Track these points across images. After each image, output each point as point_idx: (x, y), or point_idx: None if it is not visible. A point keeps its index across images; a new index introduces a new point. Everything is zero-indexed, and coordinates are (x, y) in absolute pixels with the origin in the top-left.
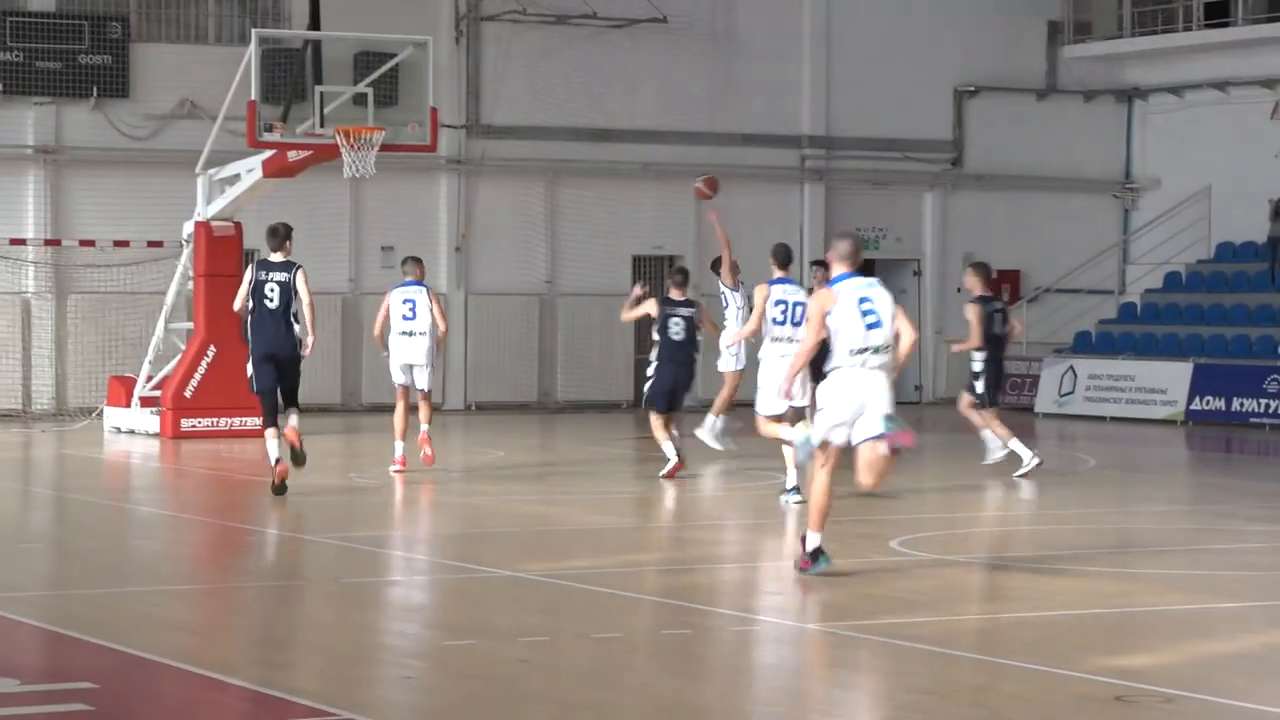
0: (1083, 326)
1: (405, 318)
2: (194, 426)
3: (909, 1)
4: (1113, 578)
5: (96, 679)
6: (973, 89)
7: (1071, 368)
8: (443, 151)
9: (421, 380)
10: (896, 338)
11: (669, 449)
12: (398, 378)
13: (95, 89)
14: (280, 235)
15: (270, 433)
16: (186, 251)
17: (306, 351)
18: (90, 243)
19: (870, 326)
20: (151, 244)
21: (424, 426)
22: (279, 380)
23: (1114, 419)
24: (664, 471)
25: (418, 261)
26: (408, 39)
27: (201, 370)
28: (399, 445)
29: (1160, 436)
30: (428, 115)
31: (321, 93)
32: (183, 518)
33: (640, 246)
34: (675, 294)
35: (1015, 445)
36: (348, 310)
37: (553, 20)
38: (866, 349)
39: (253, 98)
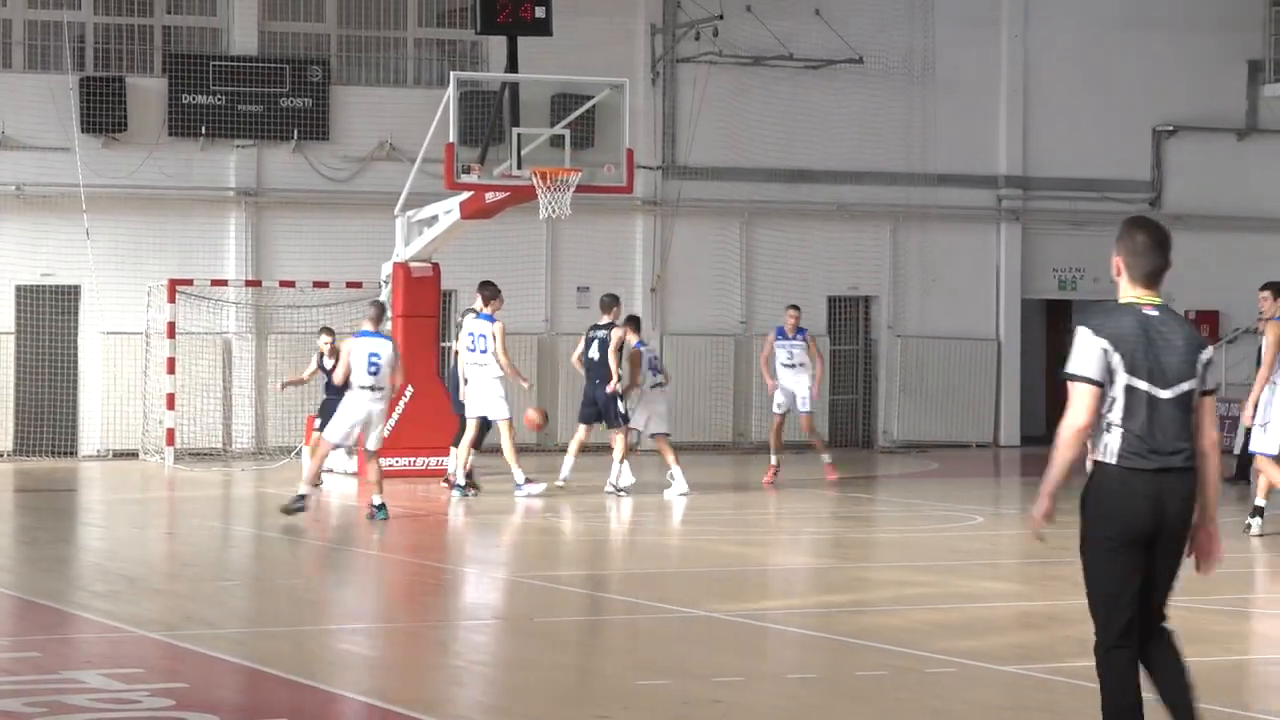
0: None
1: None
2: (390, 466)
3: (1106, 41)
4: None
5: (292, 715)
6: (1171, 129)
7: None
8: (638, 192)
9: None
10: None
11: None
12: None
13: (296, 132)
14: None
15: None
16: (385, 292)
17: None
18: (290, 283)
19: None
20: (350, 284)
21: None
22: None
23: None
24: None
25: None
26: (604, 81)
27: (399, 410)
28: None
29: None
30: (624, 157)
31: (519, 134)
32: (380, 556)
33: (835, 288)
34: None
35: None
36: (543, 350)
37: (749, 62)
38: None
39: (451, 140)
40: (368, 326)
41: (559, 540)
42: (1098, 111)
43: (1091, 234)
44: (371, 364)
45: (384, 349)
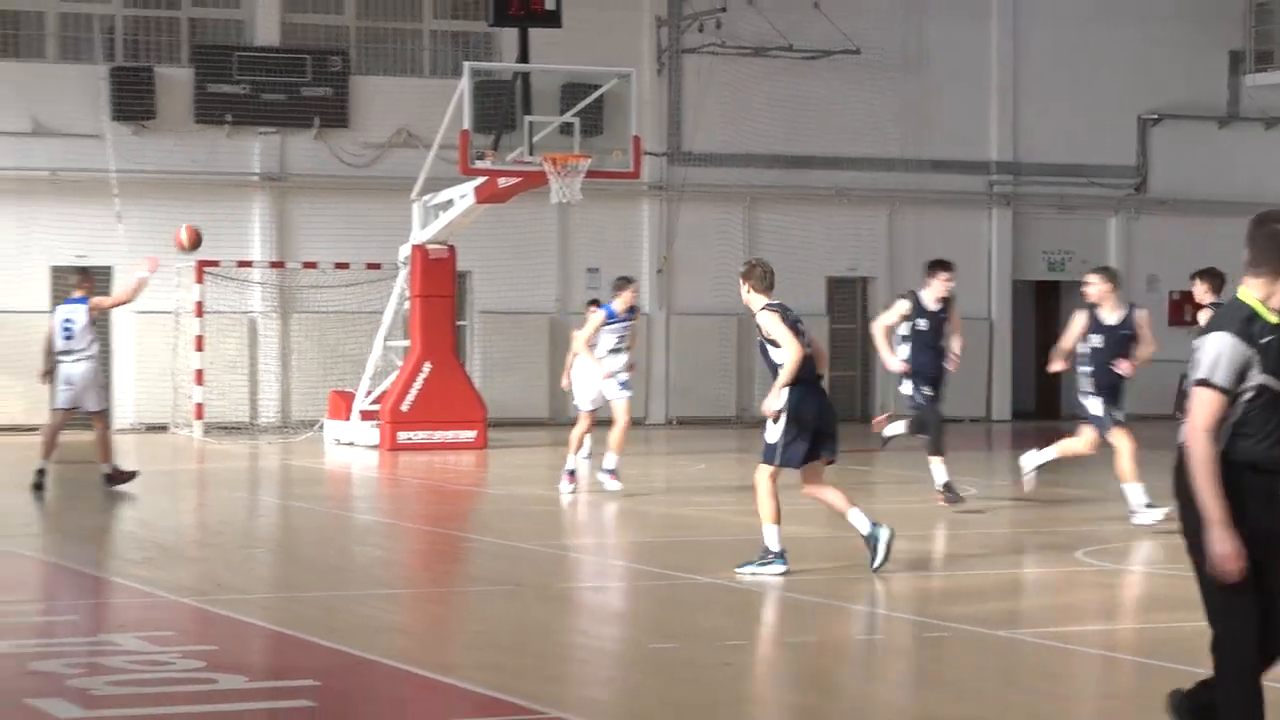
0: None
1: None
2: (410, 439)
3: (1093, 33)
4: None
5: (319, 677)
6: (1156, 116)
7: None
8: (645, 178)
9: None
10: None
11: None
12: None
13: (317, 119)
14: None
15: None
16: (403, 273)
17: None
18: (313, 265)
19: None
20: (370, 266)
21: None
22: None
23: None
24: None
25: None
26: (612, 71)
27: (418, 386)
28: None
29: None
30: (631, 143)
31: (530, 122)
32: (400, 525)
33: (834, 269)
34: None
35: None
36: (554, 329)
37: (750, 53)
38: None
39: (465, 127)
40: (77, 294)
41: (572, 512)
42: (1085, 100)
43: (1080, 218)
44: (65, 330)
45: (77, 313)
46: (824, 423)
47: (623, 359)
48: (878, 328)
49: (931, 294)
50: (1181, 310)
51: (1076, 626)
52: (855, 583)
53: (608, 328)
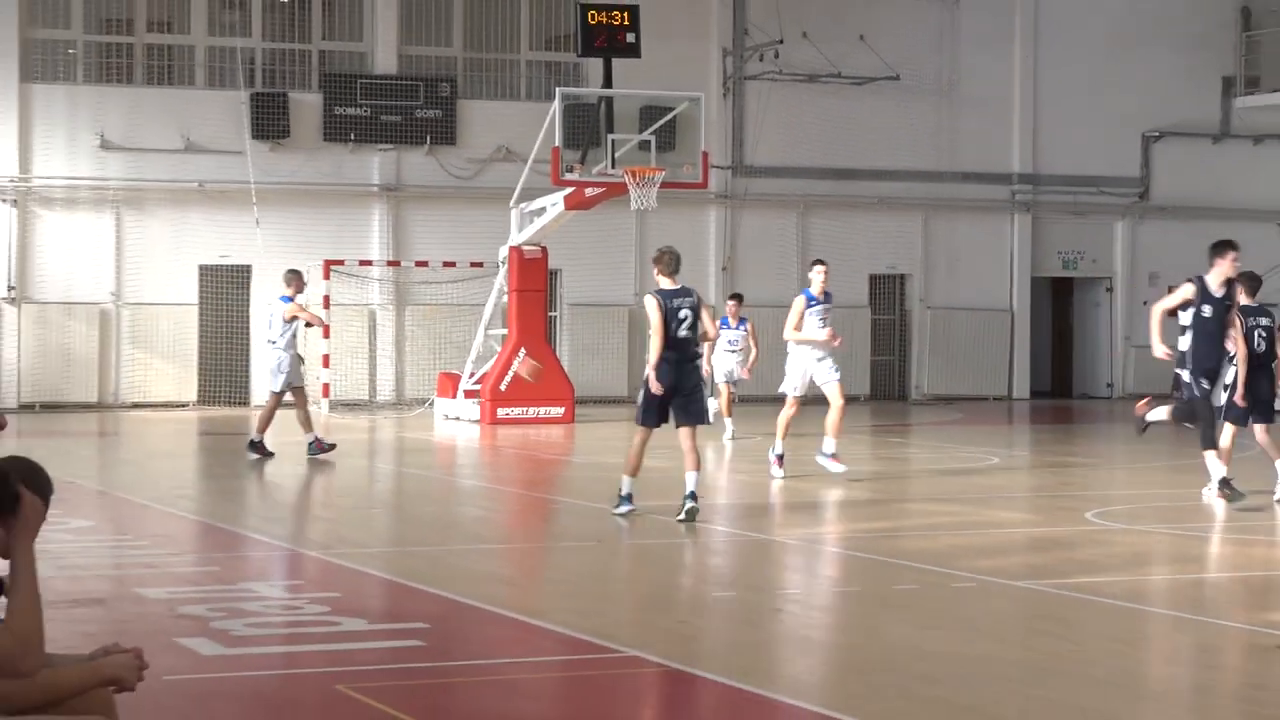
0: None
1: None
2: (507, 415)
3: (1104, 59)
4: (1269, 545)
5: (428, 620)
6: (1158, 134)
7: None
8: (712, 188)
9: None
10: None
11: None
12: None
13: (428, 138)
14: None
15: None
16: (502, 271)
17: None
18: (424, 263)
19: None
20: (474, 264)
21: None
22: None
23: None
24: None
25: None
26: (684, 95)
27: (514, 368)
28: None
29: None
30: (700, 158)
31: (613, 140)
32: (498, 489)
33: (876, 267)
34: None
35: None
36: (633, 319)
37: (804, 79)
38: None
39: (557, 144)
40: (287, 292)
41: (648, 476)
42: (1095, 120)
43: (1090, 223)
44: (269, 321)
45: (277, 309)
46: (680, 392)
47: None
48: (1156, 311)
49: (1217, 277)
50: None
51: (1088, 578)
52: (891, 540)
53: (810, 311)
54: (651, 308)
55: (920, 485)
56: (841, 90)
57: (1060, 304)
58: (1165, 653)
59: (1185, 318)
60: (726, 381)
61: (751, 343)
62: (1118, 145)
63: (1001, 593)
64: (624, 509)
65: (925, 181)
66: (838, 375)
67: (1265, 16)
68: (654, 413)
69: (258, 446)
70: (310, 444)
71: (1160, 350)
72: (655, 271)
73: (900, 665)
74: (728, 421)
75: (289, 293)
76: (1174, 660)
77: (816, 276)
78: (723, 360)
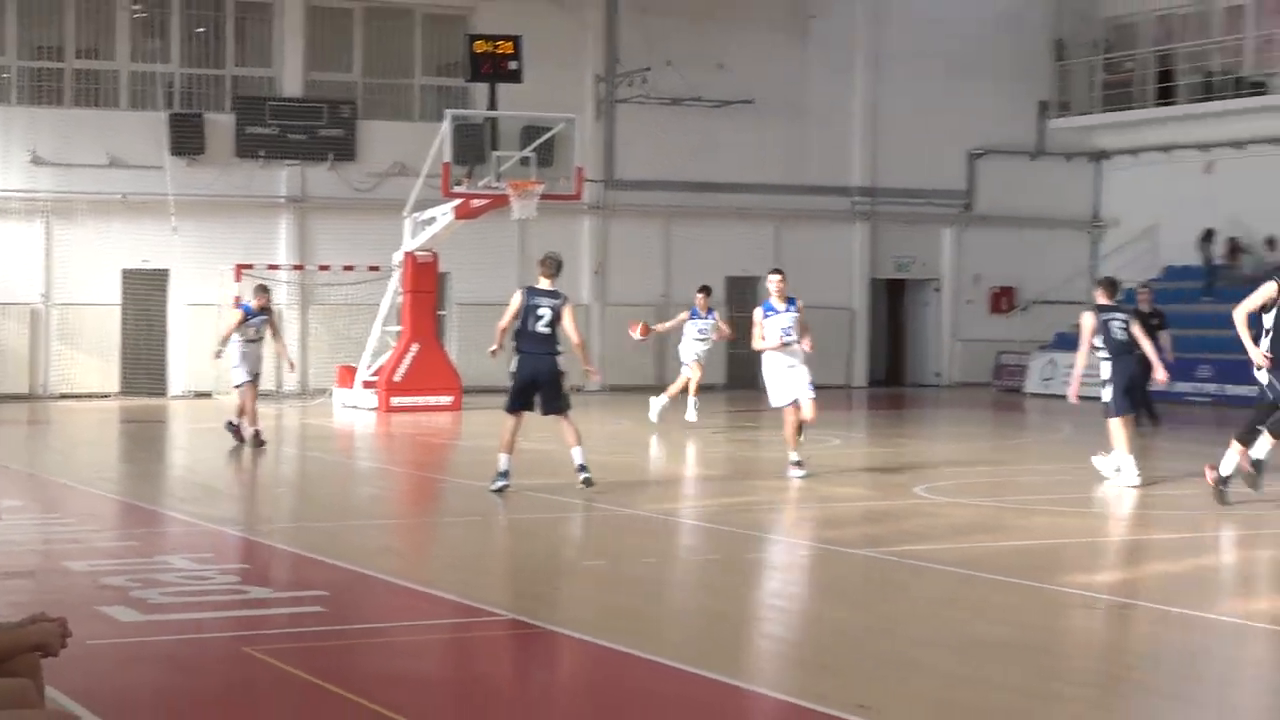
0: (1061, 329)
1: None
2: (401, 403)
3: (934, 86)
4: (1082, 515)
5: (328, 589)
6: (981, 151)
7: (1052, 359)
8: (586, 200)
9: None
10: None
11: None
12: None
13: (331, 154)
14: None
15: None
16: (396, 274)
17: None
18: (326, 267)
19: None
20: (371, 268)
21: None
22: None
23: (1084, 398)
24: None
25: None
26: (561, 116)
27: (407, 361)
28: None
29: None
30: (575, 173)
31: (497, 156)
32: (392, 470)
33: (732, 269)
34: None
35: (1121, 459)
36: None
37: (669, 102)
38: None
39: (447, 160)
40: (256, 305)
41: (529, 457)
42: (927, 138)
43: (921, 230)
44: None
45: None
46: (537, 383)
47: (794, 346)
48: (1239, 314)
49: None
50: (999, 301)
51: (917, 546)
52: (746, 513)
53: (768, 319)
54: (514, 299)
55: (771, 465)
56: (702, 112)
57: (894, 302)
58: (986, 612)
59: (1267, 320)
60: (697, 361)
61: (724, 326)
62: (946, 161)
63: (844, 560)
64: (498, 484)
65: (776, 194)
66: (812, 394)
67: (1075, 49)
68: (518, 402)
69: (248, 433)
70: (229, 423)
71: (1258, 354)
72: (538, 272)
73: (756, 626)
74: (693, 401)
75: (258, 306)
76: (994, 619)
77: (771, 286)
78: (692, 346)
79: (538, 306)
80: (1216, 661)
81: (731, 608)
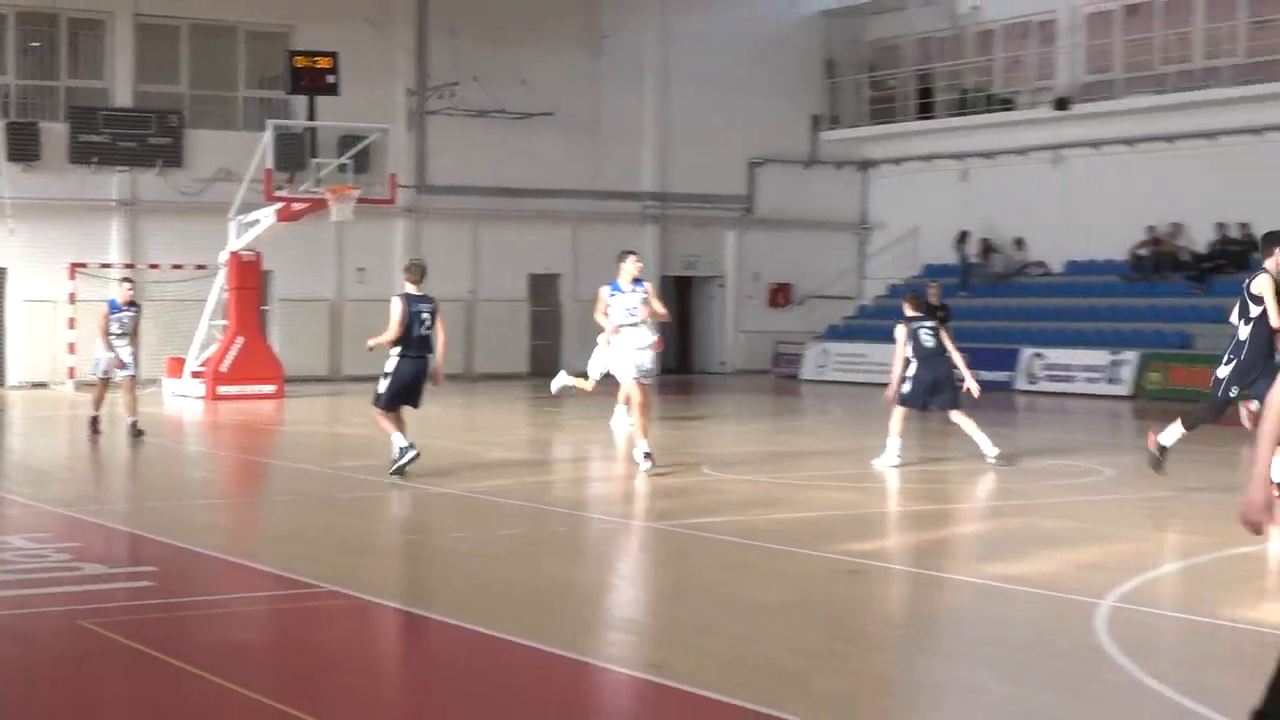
0: (833, 321)
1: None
2: (228, 391)
3: (718, 100)
4: (854, 490)
5: (158, 564)
6: (760, 160)
7: (825, 349)
8: (400, 203)
9: None
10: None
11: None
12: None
13: (160, 161)
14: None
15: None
16: (223, 272)
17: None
18: (156, 266)
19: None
20: (199, 266)
21: None
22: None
23: (853, 384)
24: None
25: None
26: (375, 127)
27: (233, 353)
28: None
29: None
30: (389, 179)
31: (316, 163)
32: (218, 454)
33: (535, 267)
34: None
35: (891, 443)
36: (332, 312)
37: (476, 114)
38: None
39: (269, 167)
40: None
41: (349, 440)
42: (711, 147)
43: (707, 232)
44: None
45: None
46: (417, 382)
47: (643, 331)
48: (1276, 322)
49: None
50: (777, 296)
51: (703, 519)
52: (545, 490)
53: (614, 299)
54: (395, 308)
55: (569, 446)
56: (506, 124)
57: (683, 297)
58: (769, 579)
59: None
60: (637, 380)
61: (657, 304)
62: (729, 169)
63: (635, 532)
64: (409, 455)
65: (574, 198)
66: (651, 376)
67: (844, 68)
68: (397, 401)
69: (126, 424)
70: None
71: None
72: (404, 278)
73: (555, 593)
74: (621, 409)
75: (127, 300)
76: (776, 585)
77: (630, 267)
78: (629, 354)
79: (420, 312)
80: (968, 618)
81: (533, 578)
